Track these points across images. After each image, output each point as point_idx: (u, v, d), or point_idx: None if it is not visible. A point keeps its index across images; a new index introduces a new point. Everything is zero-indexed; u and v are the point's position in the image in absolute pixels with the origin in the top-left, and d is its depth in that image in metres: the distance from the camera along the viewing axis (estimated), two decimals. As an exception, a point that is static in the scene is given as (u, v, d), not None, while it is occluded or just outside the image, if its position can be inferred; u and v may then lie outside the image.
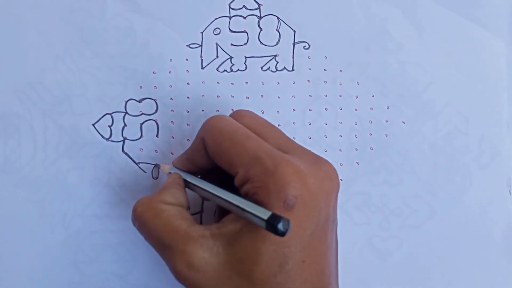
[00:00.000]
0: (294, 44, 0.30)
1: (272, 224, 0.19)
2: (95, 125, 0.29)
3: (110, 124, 0.29)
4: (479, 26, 0.30)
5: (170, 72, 0.29)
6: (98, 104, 0.29)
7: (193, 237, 0.21)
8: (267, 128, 0.24)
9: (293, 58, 0.30)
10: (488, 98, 0.30)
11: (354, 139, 0.30)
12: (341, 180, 0.29)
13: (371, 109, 0.30)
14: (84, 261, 0.28)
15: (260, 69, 0.29)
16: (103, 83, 0.29)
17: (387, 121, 0.30)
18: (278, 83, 0.30)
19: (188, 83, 0.29)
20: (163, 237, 0.22)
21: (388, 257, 0.29)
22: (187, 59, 0.29)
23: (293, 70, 0.30)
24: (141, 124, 0.29)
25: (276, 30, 0.30)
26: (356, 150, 0.30)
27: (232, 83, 0.29)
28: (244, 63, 0.29)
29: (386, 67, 0.30)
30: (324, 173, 0.22)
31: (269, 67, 0.30)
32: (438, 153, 0.30)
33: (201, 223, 0.29)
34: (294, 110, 0.30)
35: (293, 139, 0.29)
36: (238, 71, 0.29)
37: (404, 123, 0.30)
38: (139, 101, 0.29)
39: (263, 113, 0.29)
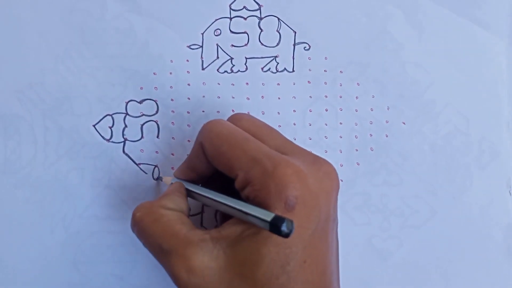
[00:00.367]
0: (294, 45, 0.30)
1: (275, 226, 0.19)
2: (95, 126, 0.29)
3: (110, 125, 0.29)
4: (479, 26, 0.30)
5: (170, 73, 0.29)
6: (99, 105, 0.29)
7: (192, 241, 0.21)
8: (265, 130, 0.24)
9: (293, 59, 0.30)
10: (488, 99, 0.30)
11: (354, 140, 0.30)
12: (342, 180, 0.29)
13: (371, 109, 0.30)
14: (84, 262, 0.28)
15: (260, 70, 0.29)
16: (104, 84, 0.29)
17: (387, 121, 0.30)
18: (278, 84, 0.30)
19: (188, 84, 0.29)
20: (162, 242, 0.21)
21: (389, 258, 0.29)
22: (187, 60, 0.29)
23: (293, 71, 0.30)
24: (142, 125, 0.29)
25: (277, 31, 0.30)
26: (357, 150, 0.30)
27: (233, 84, 0.29)
28: (245, 64, 0.29)
29: (387, 68, 0.30)
30: (323, 173, 0.22)
31: (269, 68, 0.30)
32: (439, 154, 0.30)
33: (201, 224, 0.29)
34: (294, 111, 0.30)
35: (293, 140, 0.29)
36: (239, 72, 0.29)
37: (404, 123, 0.30)
38: (140, 102, 0.29)
39: (263, 114, 0.29)
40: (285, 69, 0.30)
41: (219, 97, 0.29)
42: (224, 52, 0.29)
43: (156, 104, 0.29)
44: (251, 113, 0.29)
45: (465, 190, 0.30)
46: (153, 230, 0.22)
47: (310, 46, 0.30)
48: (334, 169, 0.23)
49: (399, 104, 0.30)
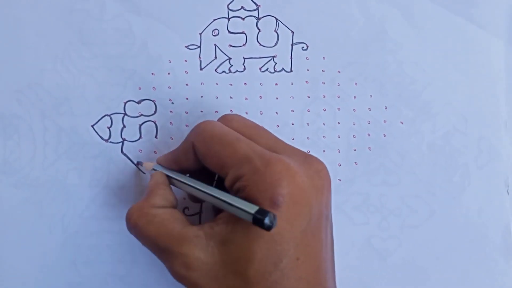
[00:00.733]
0: (292, 45, 0.30)
1: (258, 219, 0.19)
2: (94, 126, 0.29)
3: (109, 125, 0.29)
4: (478, 26, 0.30)
5: (169, 73, 0.29)
6: (97, 105, 0.29)
7: (187, 238, 0.21)
8: (255, 130, 0.24)
9: (291, 59, 0.30)
10: (487, 98, 0.30)
11: (352, 140, 0.30)
12: (340, 180, 0.29)
13: (369, 109, 0.30)
14: (83, 262, 0.28)
15: (258, 70, 0.29)
16: (102, 84, 0.29)
17: (385, 121, 0.30)
18: (276, 84, 0.30)
19: (187, 84, 0.29)
20: (158, 242, 0.22)
21: (387, 257, 0.29)
22: (185, 60, 0.29)
23: (291, 71, 0.30)
24: (140, 125, 0.29)
25: (275, 31, 0.30)
26: (355, 150, 0.30)
27: (231, 84, 0.29)
28: (243, 64, 0.29)
29: (385, 68, 0.30)
30: (314, 170, 0.22)
31: (267, 68, 0.30)
32: (437, 153, 0.30)
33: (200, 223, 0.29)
34: (292, 111, 0.30)
35: (291, 140, 0.29)
36: (237, 72, 0.29)
37: (402, 123, 0.30)
38: (138, 102, 0.29)
39: (261, 114, 0.29)
40: (283, 69, 0.30)
41: (217, 97, 0.29)
42: (222, 52, 0.29)
43: (155, 104, 0.29)
44: (249, 113, 0.29)
45: (463, 189, 0.30)
46: (148, 231, 0.22)
47: (308, 46, 0.30)
48: (325, 167, 0.23)
49: (397, 104, 0.30)
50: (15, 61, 0.28)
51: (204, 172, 0.25)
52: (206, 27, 0.29)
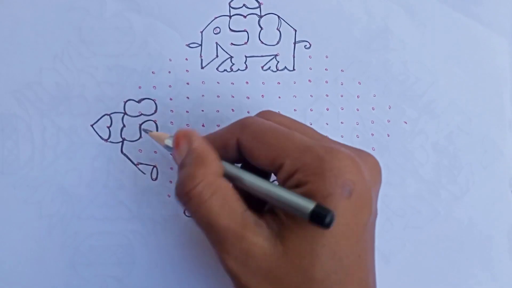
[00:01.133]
0: (295, 43, 0.29)
1: (317, 215, 0.18)
2: (93, 126, 0.28)
3: (108, 124, 0.29)
4: (482, 24, 0.30)
5: (169, 72, 0.29)
6: (97, 104, 0.28)
7: (249, 224, 0.19)
8: (299, 125, 0.23)
9: (294, 57, 0.29)
10: (491, 97, 0.30)
11: (355, 140, 0.29)
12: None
13: (373, 109, 0.30)
14: (82, 263, 0.28)
15: (260, 68, 0.29)
16: (102, 83, 0.29)
17: (389, 121, 0.30)
18: (278, 83, 0.29)
19: (187, 83, 0.29)
20: (220, 219, 0.19)
21: (391, 258, 0.29)
22: (186, 59, 0.29)
23: (294, 69, 0.29)
24: (140, 125, 0.29)
25: (277, 29, 0.29)
26: (358, 150, 0.29)
27: (232, 83, 0.29)
28: (245, 63, 0.29)
29: (388, 66, 0.30)
30: (370, 165, 0.21)
31: (269, 67, 0.29)
32: (441, 153, 0.30)
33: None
34: (295, 110, 0.29)
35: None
36: (239, 71, 0.29)
37: (406, 123, 0.30)
38: (138, 102, 0.29)
39: (263, 113, 0.29)
40: (285, 67, 0.29)
41: (218, 96, 0.29)
42: (224, 50, 0.29)
43: (155, 103, 0.29)
44: (251, 113, 0.29)
45: (467, 190, 0.29)
46: (210, 204, 0.20)
47: (310, 45, 0.29)
48: (378, 162, 0.22)
49: (401, 103, 0.30)
50: (14, 60, 0.28)
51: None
52: (208, 25, 0.29)
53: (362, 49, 0.30)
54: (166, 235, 0.28)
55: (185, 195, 0.20)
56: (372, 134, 0.30)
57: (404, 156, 0.30)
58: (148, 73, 0.29)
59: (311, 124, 0.29)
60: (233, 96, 0.29)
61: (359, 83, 0.30)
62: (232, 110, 0.29)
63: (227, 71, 0.29)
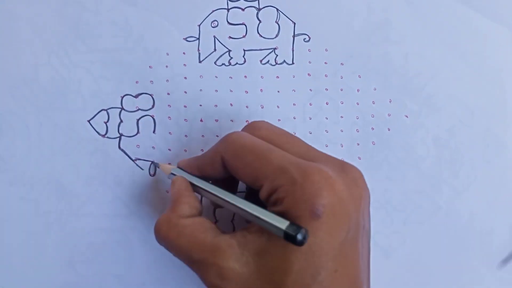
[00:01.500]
0: (294, 36, 0.29)
1: (290, 234, 0.19)
2: (90, 122, 0.28)
3: (106, 120, 0.28)
4: (484, 16, 0.30)
5: (166, 66, 0.29)
6: (94, 100, 0.28)
7: (220, 248, 0.21)
8: (285, 138, 0.24)
9: (293, 51, 0.29)
10: (493, 90, 0.30)
11: (355, 134, 0.29)
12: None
13: (373, 102, 0.29)
14: (81, 261, 0.28)
15: (259, 62, 0.29)
16: (98, 78, 0.28)
17: (389, 115, 0.29)
18: (277, 77, 0.29)
19: (185, 78, 0.29)
20: (191, 253, 0.22)
21: (391, 254, 0.29)
22: (184, 53, 0.29)
23: (293, 63, 0.29)
24: (138, 120, 0.28)
25: (276, 22, 0.29)
26: (358, 145, 0.29)
27: (231, 77, 0.29)
28: (243, 57, 0.29)
29: (389, 60, 0.29)
30: (351, 179, 0.22)
31: (268, 61, 0.29)
32: (442, 147, 0.29)
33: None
34: (294, 104, 0.29)
35: (293, 134, 0.28)
36: (237, 65, 0.29)
37: (407, 116, 0.29)
38: (135, 97, 0.29)
39: (262, 108, 0.29)
40: (284, 61, 0.29)
41: (216, 90, 0.29)
42: (222, 44, 0.29)
43: (152, 98, 0.29)
44: (250, 107, 0.29)
45: (469, 184, 0.29)
46: (179, 244, 0.22)
47: (310, 38, 0.29)
48: (362, 175, 0.22)
49: (402, 97, 0.29)
50: (9, 56, 0.28)
51: (227, 180, 0.25)
52: (205, 19, 0.29)
53: (362, 42, 0.29)
54: (165, 231, 0.28)
55: (157, 237, 0.23)
56: (373, 128, 0.29)
57: (405, 151, 0.29)
58: (145, 67, 0.28)
59: (310, 119, 0.29)
60: (231, 91, 0.29)
61: (359, 76, 0.29)
62: (231, 104, 0.29)
63: (225, 65, 0.29)
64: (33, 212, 0.28)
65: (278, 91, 0.29)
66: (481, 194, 0.29)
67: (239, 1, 0.29)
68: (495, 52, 0.30)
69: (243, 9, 0.29)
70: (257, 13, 0.29)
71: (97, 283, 0.28)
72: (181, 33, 0.29)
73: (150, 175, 0.28)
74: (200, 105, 0.29)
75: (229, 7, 0.29)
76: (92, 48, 0.28)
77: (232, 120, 0.29)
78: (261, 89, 0.29)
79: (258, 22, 0.29)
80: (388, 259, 0.29)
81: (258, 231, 0.21)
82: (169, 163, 0.28)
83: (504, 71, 0.30)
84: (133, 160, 0.28)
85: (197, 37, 0.29)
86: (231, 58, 0.29)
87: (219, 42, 0.29)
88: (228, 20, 0.29)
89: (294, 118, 0.29)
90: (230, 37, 0.29)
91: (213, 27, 0.29)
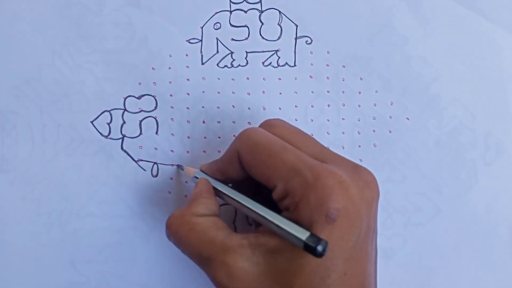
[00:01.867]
0: (296, 38, 0.29)
1: (310, 245, 0.19)
2: (93, 123, 0.28)
3: (108, 121, 0.28)
4: (486, 19, 0.30)
5: (169, 68, 0.29)
6: (97, 101, 0.28)
7: (231, 247, 0.21)
8: (300, 137, 0.23)
9: (295, 53, 0.29)
10: (495, 93, 0.30)
11: (357, 136, 0.29)
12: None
13: (375, 105, 0.29)
14: (82, 261, 0.28)
15: (261, 64, 0.29)
16: (101, 79, 0.28)
17: (391, 117, 0.29)
18: (279, 79, 0.29)
19: (188, 79, 0.29)
20: (201, 250, 0.21)
21: (392, 256, 0.29)
22: (186, 55, 0.29)
23: (295, 65, 0.29)
24: (140, 121, 0.29)
25: (278, 24, 0.29)
26: (359, 147, 0.29)
27: (233, 79, 0.29)
28: (245, 58, 0.29)
29: (390, 62, 0.29)
30: (364, 182, 0.22)
31: (270, 63, 0.29)
32: (443, 150, 0.29)
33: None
34: (296, 106, 0.29)
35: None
36: (239, 67, 0.29)
37: (408, 119, 0.29)
38: (138, 98, 0.29)
39: (264, 109, 0.29)
40: (286, 63, 0.29)
41: (219, 92, 0.29)
42: (224, 46, 0.29)
43: (155, 99, 0.29)
44: (252, 109, 0.29)
45: (470, 187, 0.29)
46: (189, 239, 0.22)
47: (312, 40, 0.29)
48: (375, 178, 0.22)
49: (403, 99, 0.29)
50: (13, 56, 0.28)
51: (250, 181, 0.24)
52: (208, 21, 0.29)
53: (364, 44, 0.29)
54: (167, 232, 0.28)
55: (167, 231, 0.23)
56: (374, 131, 0.29)
57: (406, 153, 0.29)
58: (148, 69, 0.28)
59: (311, 121, 0.29)
60: (233, 92, 0.29)
61: (361, 79, 0.29)
62: (233, 106, 0.29)
63: (227, 67, 0.29)
64: (35, 212, 0.28)
65: (280, 93, 0.29)
66: (482, 197, 0.29)
67: (241, 4, 0.29)
68: (496, 55, 0.30)
69: (245, 11, 0.29)
70: (260, 16, 0.29)
71: (99, 283, 0.28)
72: (184, 35, 0.29)
73: (153, 176, 0.28)
74: (203, 107, 0.29)
75: (231, 9, 0.29)
76: (95, 49, 0.28)
77: (234, 122, 0.29)
78: (263, 91, 0.29)
79: (261, 24, 0.29)
80: (389, 261, 0.29)
81: (271, 232, 0.21)
82: (171, 164, 0.28)
83: (506, 74, 0.30)
84: (135, 161, 0.28)
85: (200, 39, 0.29)
86: (234, 60, 0.29)
87: (222, 44, 0.29)
88: (231, 22, 0.29)
89: (296, 120, 0.29)
90: (232, 39, 0.29)
91: (215, 29, 0.29)
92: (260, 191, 0.25)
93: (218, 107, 0.29)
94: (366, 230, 0.21)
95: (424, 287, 0.29)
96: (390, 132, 0.29)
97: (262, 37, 0.29)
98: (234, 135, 0.29)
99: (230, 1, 0.29)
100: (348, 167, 0.22)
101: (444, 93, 0.29)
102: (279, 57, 0.29)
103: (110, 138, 0.28)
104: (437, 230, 0.29)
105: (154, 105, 0.29)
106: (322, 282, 0.20)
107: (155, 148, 0.29)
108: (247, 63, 0.29)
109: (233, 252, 0.21)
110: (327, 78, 0.29)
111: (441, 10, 0.30)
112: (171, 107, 0.29)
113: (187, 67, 0.29)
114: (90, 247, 0.28)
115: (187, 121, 0.29)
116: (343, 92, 0.29)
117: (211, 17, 0.29)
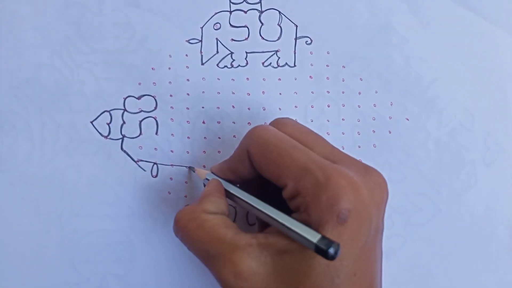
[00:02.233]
0: (296, 39, 0.29)
1: (321, 248, 0.19)
2: (93, 123, 0.28)
3: (108, 121, 0.28)
4: (486, 20, 0.30)
5: (169, 68, 0.29)
6: (96, 101, 0.28)
7: (239, 246, 0.21)
8: (311, 137, 0.23)
9: (295, 53, 0.29)
10: (494, 94, 0.30)
11: (357, 136, 0.29)
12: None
13: (375, 105, 0.29)
14: (82, 261, 0.28)
15: (261, 64, 0.29)
16: (101, 79, 0.28)
17: (390, 117, 0.29)
18: (279, 79, 0.29)
19: (187, 80, 0.29)
20: (209, 247, 0.21)
21: (392, 256, 0.29)
22: (186, 55, 0.29)
23: (295, 66, 0.29)
24: (140, 122, 0.28)
25: (278, 24, 0.29)
26: (359, 147, 0.29)
27: (233, 79, 0.29)
28: (245, 59, 0.29)
29: (390, 62, 0.29)
30: (374, 183, 0.22)
31: (270, 63, 0.29)
32: (443, 150, 0.29)
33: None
34: (296, 107, 0.29)
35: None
36: (239, 67, 0.29)
37: (408, 119, 0.29)
38: (138, 98, 0.29)
39: (264, 110, 0.29)
40: (286, 63, 0.29)
41: (219, 92, 0.29)
42: (224, 46, 0.29)
43: (155, 100, 0.29)
44: (251, 109, 0.29)
45: (470, 187, 0.29)
46: (198, 236, 0.22)
47: (312, 40, 0.29)
48: (385, 180, 0.22)
49: (403, 100, 0.29)
50: (12, 56, 0.28)
51: (258, 181, 0.24)
52: (208, 21, 0.29)
53: (364, 45, 0.29)
54: (167, 232, 0.28)
55: (175, 227, 0.23)
56: (374, 131, 0.29)
57: (405, 153, 0.29)
58: (147, 69, 0.28)
59: (311, 121, 0.29)
60: (233, 93, 0.29)
61: (361, 79, 0.29)
62: (233, 106, 0.29)
63: (227, 67, 0.29)
64: (34, 212, 0.28)
65: (280, 93, 0.29)
66: (482, 197, 0.29)
67: (241, 4, 0.29)
68: (496, 55, 0.30)
69: (245, 12, 0.29)
70: (260, 16, 0.29)
71: (98, 283, 0.28)
72: (184, 35, 0.29)
73: (153, 176, 0.28)
74: (202, 107, 0.29)
75: (231, 10, 0.29)
76: (95, 49, 0.28)
77: (234, 122, 0.29)
78: (263, 91, 0.29)
79: (261, 24, 0.29)
80: (389, 261, 0.29)
81: (280, 233, 0.21)
82: (171, 164, 0.28)
83: (505, 75, 0.30)
84: (135, 162, 0.28)
85: (200, 39, 0.29)
86: (234, 60, 0.29)
87: (222, 44, 0.29)
88: (231, 23, 0.29)
89: (296, 120, 0.29)
90: (232, 40, 0.29)
91: (215, 29, 0.29)
92: (268, 190, 0.25)
93: (218, 108, 0.29)
94: (375, 231, 0.21)
95: (423, 287, 0.29)
96: (390, 132, 0.29)
97: (262, 37, 0.29)
98: (234, 135, 0.29)
99: (230, 2, 0.29)
100: (358, 168, 0.22)
101: (443, 93, 0.29)
102: (279, 58, 0.29)
103: (110, 138, 0.28)
104: (437, 230, 0.29)
105: (154, 105, 0.29)
106: (331, 282, 0.20)
107: (155, 148, 0.28)
108: (247, 63, 0.29)
109: (241, 251, 0.20)
110: (327, 78, 0.29)
111: (441, 11, 0.30)
112: (171, 107, 0.29)
113: (187, 67, 0.29)
114: (89, 247, 0.28)
115: (187, 121, 0.29)
116: (343, 92, 0.29)
117: (211, 17, 0.29)
